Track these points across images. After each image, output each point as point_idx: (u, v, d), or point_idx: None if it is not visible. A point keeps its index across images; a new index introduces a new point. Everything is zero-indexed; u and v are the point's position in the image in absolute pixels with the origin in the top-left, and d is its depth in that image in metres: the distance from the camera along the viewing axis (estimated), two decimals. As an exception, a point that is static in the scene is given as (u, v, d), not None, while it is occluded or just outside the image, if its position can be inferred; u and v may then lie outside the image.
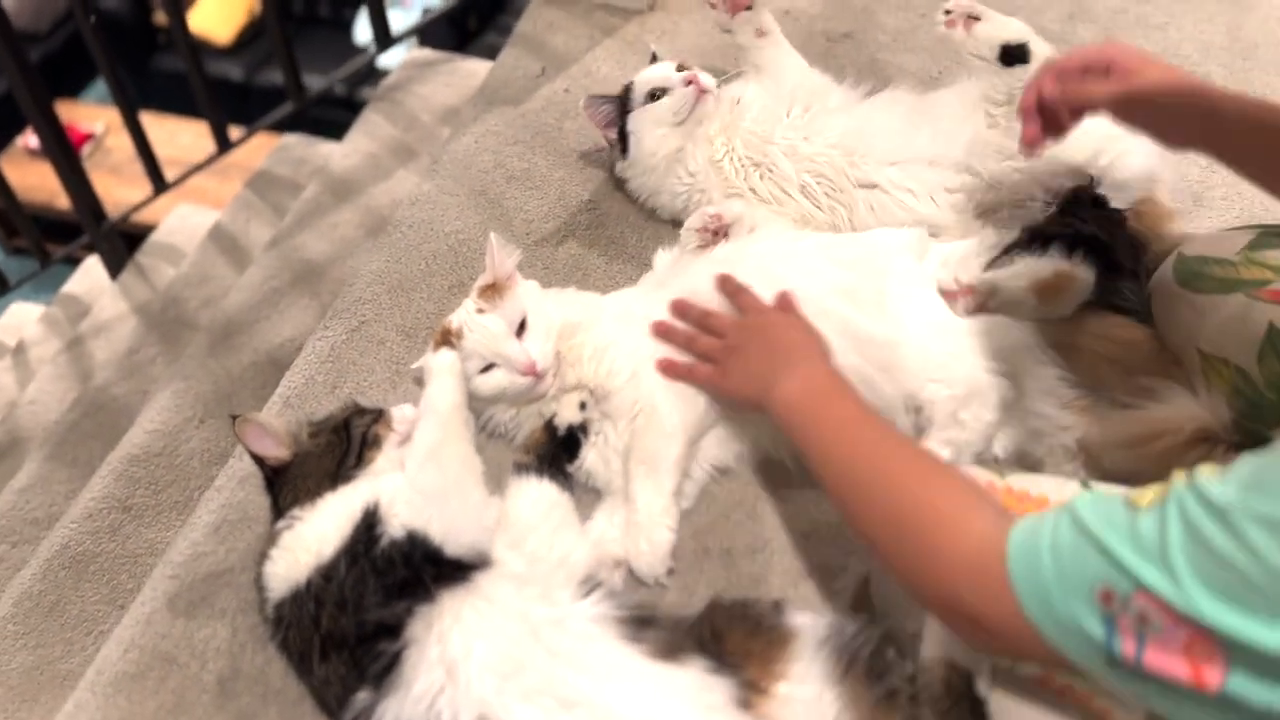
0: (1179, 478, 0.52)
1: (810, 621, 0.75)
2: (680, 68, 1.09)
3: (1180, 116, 0.79)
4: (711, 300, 0.95)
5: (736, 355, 0.87)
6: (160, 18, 3.77)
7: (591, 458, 0.92)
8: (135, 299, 1.78)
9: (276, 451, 0.83)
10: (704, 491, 0.92)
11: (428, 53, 1.77)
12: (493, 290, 0.92)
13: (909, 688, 0.70)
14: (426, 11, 3.69)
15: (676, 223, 1.11)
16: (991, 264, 0.92)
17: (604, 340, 0.92)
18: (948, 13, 1.01)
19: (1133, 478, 0.78)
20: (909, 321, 0.92)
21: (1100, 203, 0.97)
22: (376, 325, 1.07)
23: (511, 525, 0.82)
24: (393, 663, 0.71)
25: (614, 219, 1.17)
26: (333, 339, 1.06)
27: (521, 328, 0.90)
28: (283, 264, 1.43)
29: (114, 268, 1.88)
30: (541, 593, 0.75)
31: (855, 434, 0.73)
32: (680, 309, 0.93)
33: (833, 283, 0.94)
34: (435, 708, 0.69)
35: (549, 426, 0.92)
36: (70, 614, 1.09)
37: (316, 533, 0.77)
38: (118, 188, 3.17)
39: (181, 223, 1.97)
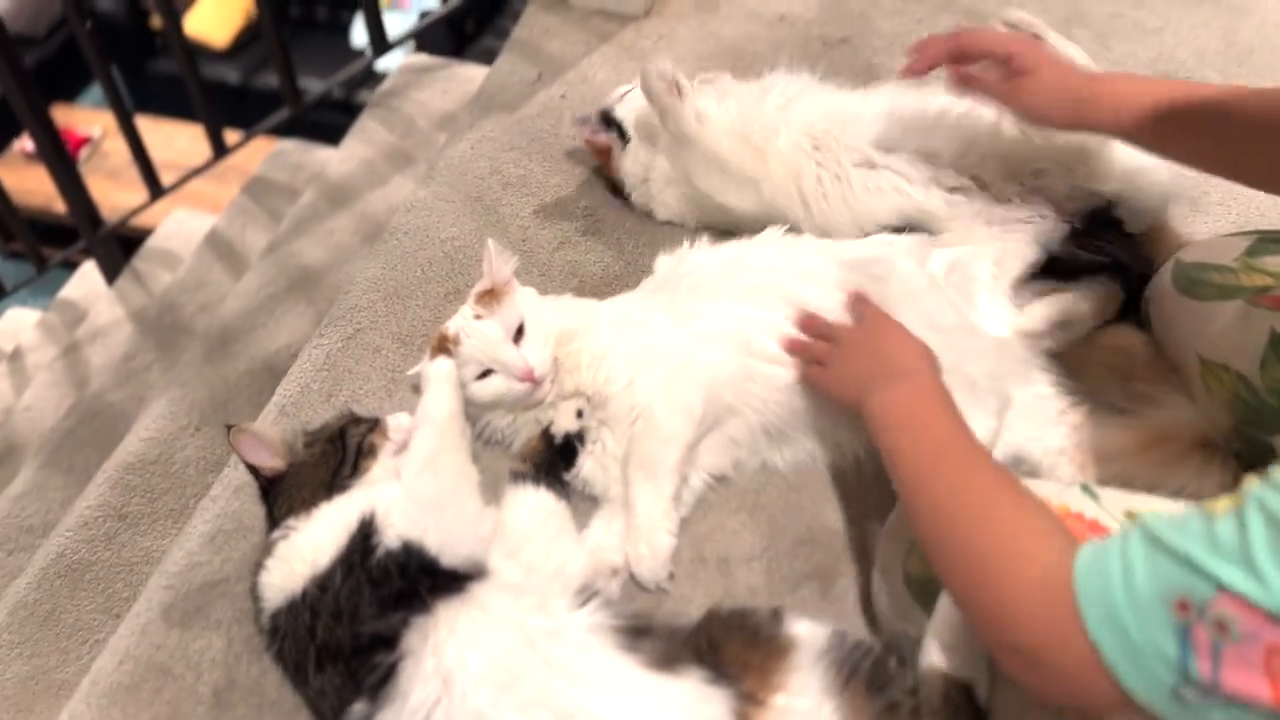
0: (1252, 480, 0.50)
1: (809, 631, 0.74)
2: None
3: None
4: (716, 290, 0.95)
5: (843, 357, 0.86)
6: (157, 21, 3.76)
7: (589, 465, 0.91)
8: (131, 304, 1.77)
9: (271, 461, 0.83)
10: (700, 500, 0.92)
11: (424, 58, 1.77)
12: (490, 296, 0.92)
13: (910, 700, 0.70)
14: (424, 15, 3.69)
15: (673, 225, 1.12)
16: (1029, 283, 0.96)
17: (601, 346, 0.92)
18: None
19: (1131, 484, 0.78)
20: (909, 327, 0.92)
21: (1119, 225, 0.97)
22: (372, 333, 1.07)
23: (508, 535, 0.82)
24: (388, 674, 0.70)
25: (610, 224, 1.16)
26: (328, 347, 1.06)
27: (519, 334, 0.89)
28: (279, 271, 1.42)
29: (110, 273, 1.88)
30: (538, 603, 0.75)
31: (942, 456, 0.70)
32: (804, 323, 0.92)
33: (834, 286, 0.94)
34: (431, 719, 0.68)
35: (545, 435, 0.91)
36: (66, 623, 1.09)
37: (312, 543, 0.76)
38: (115, 192, 3.16)
39: (178, 228, 1.97)
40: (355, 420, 0.88)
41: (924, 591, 0.74)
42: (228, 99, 3.75)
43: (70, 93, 3.85)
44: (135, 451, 1.21)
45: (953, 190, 1.02)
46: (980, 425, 0.87)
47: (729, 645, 0.74)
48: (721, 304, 0.94)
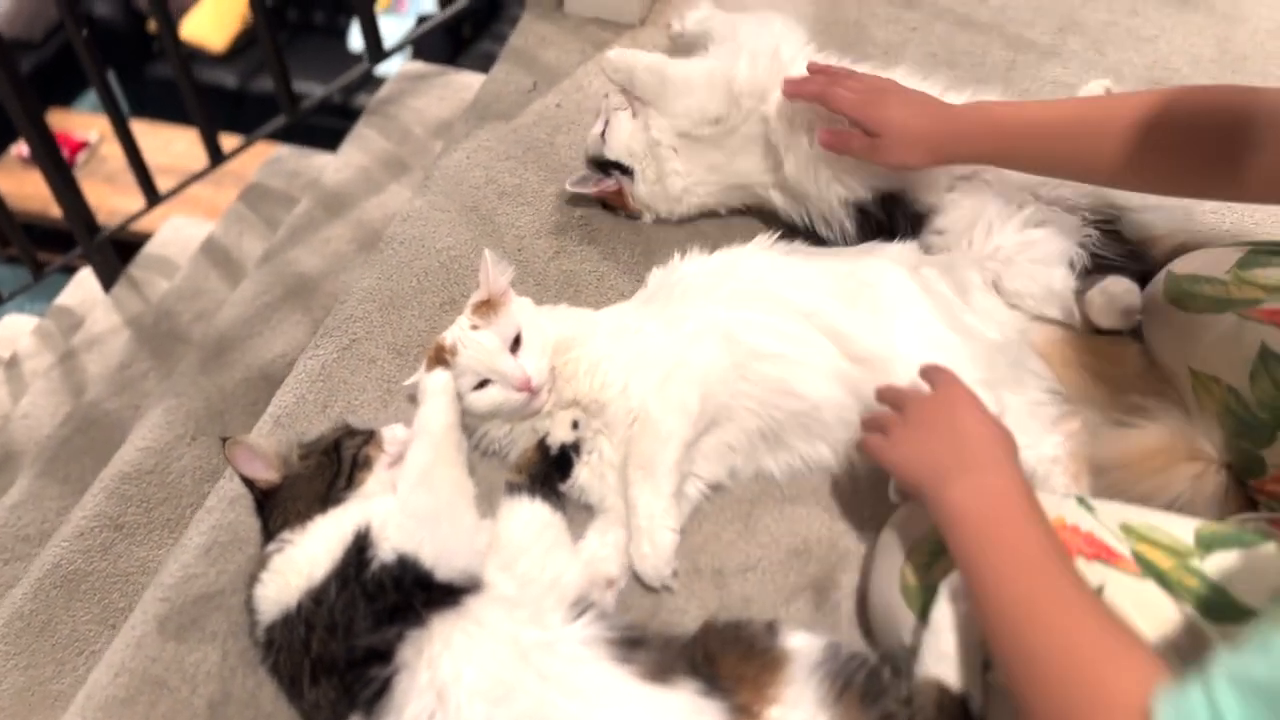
0: None
1: (804, 643, 0.75)
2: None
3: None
4: (705, 295, 0.95)
5: (912, 434, 0.77)
6: (155, 25, 3.77)
7: (585, 474, 0.91)
8: (128, 312, 1.77)
9: (266, 474, 0.83)
10: (696, 510, 0.92)
11: (420, 66, 1.77)
12: (487, 306, 0.92)
13: (904, 711, 0.70)
14: (421, 18, 3.69)
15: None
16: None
17: (598, 355, 0.92)
18: None
19: (1125, 495, 0.78)
20: (901, 336, 0.92)
21: (1117, 234, 0.98)
22: (368, 343, 1.07)
23: (503, 547, 0.82)
24: (383, 688, 0.70)
25: (606, 234, 1.17)
26: (324, 357, 1.06)
27: (516, 344, 0.89)
28: (275, 279, 1.42)
29: (107, 280, 1.88)
30: (532, 615, 0.75)
31: (1024, 570, 0.65)
32: (878, 393, 0.85)
33: (825, 294, 0.94)
34: (426, 733, 0.68)
35: (541, 446, 0.92)
36: (61, 634, 1.09)
37: (307, 556, 0.76)
38: (113, 196, 3.17)
39: (175, 234, 1.97)
40: (350, 432, 0.88)
41: (920, 601, 0.75)
42: (225, 103, 3.76)
43: (67, 97, 3.86)
44: (131, 461, 1.21)
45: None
46: None
47: (725, 658, 0.74)
48: (710, 307, 0.94)
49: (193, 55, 3.79)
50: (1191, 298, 0.85)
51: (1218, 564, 0.69)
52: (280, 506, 0.82)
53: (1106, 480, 0.84)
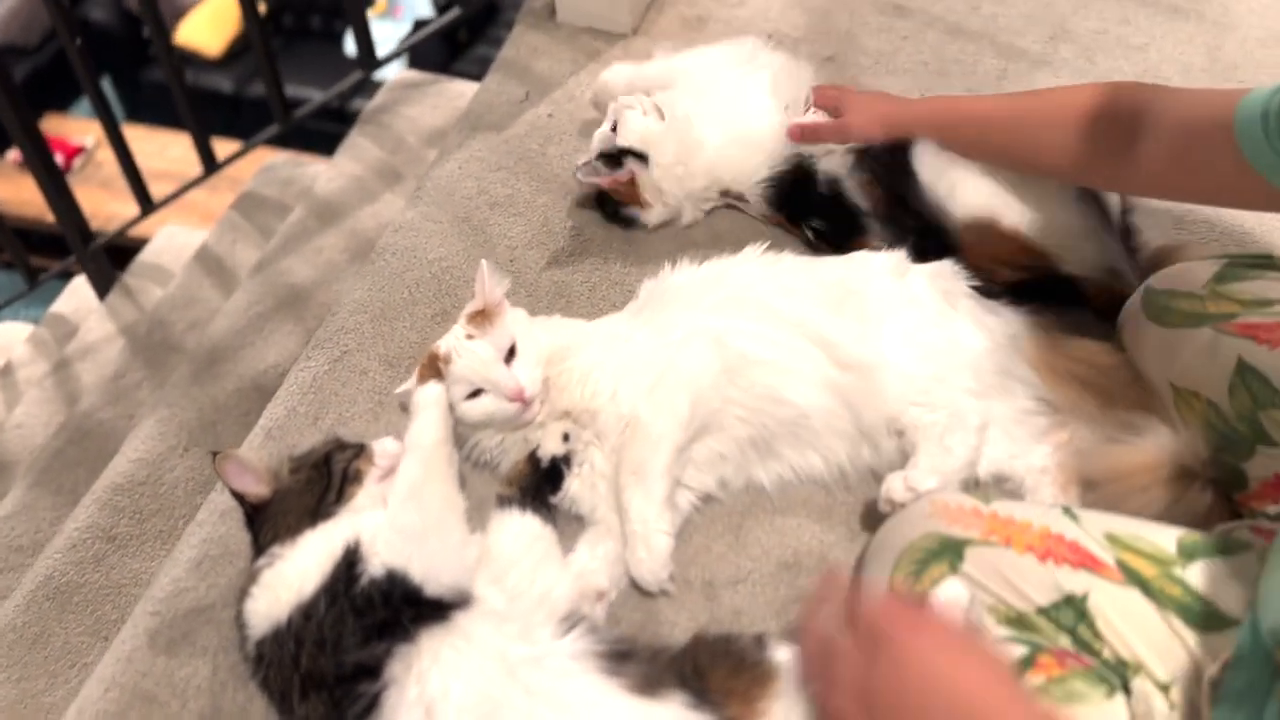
0: None
1: (793, 657, 0.75)
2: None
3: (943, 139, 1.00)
4: (694, 303, 0.95)
5: (855, 683, 0.62)
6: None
7: (576, 485, 0.92)
8: (122, 320, 1.78)
9: (257, 488, 0.83)
10: (686, 522, 0.92)
11: (414, 74, 1.77)
12: (482, 316, 0.92)
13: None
14: (417, 23, 3.70)
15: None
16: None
17: (589, 364, 0.92)
18: None
19: (1112, 511, 0.79)
20: (890, 344, 0.92)
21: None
22: (359, 355, 1.07)
23: (493, 560, 0.82)
24: (372, 703, 0.70)
25: (598, 245, 1.17)
26: (315, 369, 1.06)
27: (510, 355, 0.90)
28: (267, 289, 1.43)
29: (101, 288, 1.88)
30: (521, 630, 0.75)
31: None
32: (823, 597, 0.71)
33: (813, 303, 0.95)
34: (414, 749, 0.69)
35: (532, 458, 0.92)
36: (54, 646, 1.09)
37: (297, 570, 0.76)
38: (109, 201, 3.17)
39: (169, 242, 1.97)
40: (341, 446, 0.88)
41: None
42: (222, 107, 3.76)
43: (64, 102, 3.85)
44: (124, 472, 1.21)
45: None
46: (961, 444, 0.88)
47: (714, 671, 0.75)
48: (699, 315, 0.94)
49: (189, 60, 3.79)
50: (1169, 313, 0.86)
51: (1200, 572, 0.70)
52: (270, 521, 0.82)
53: (1094, 497, 0.84)
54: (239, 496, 0.83)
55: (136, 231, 1.86)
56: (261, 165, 1.92)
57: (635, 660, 0.75)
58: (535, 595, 0.81)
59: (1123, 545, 0.72)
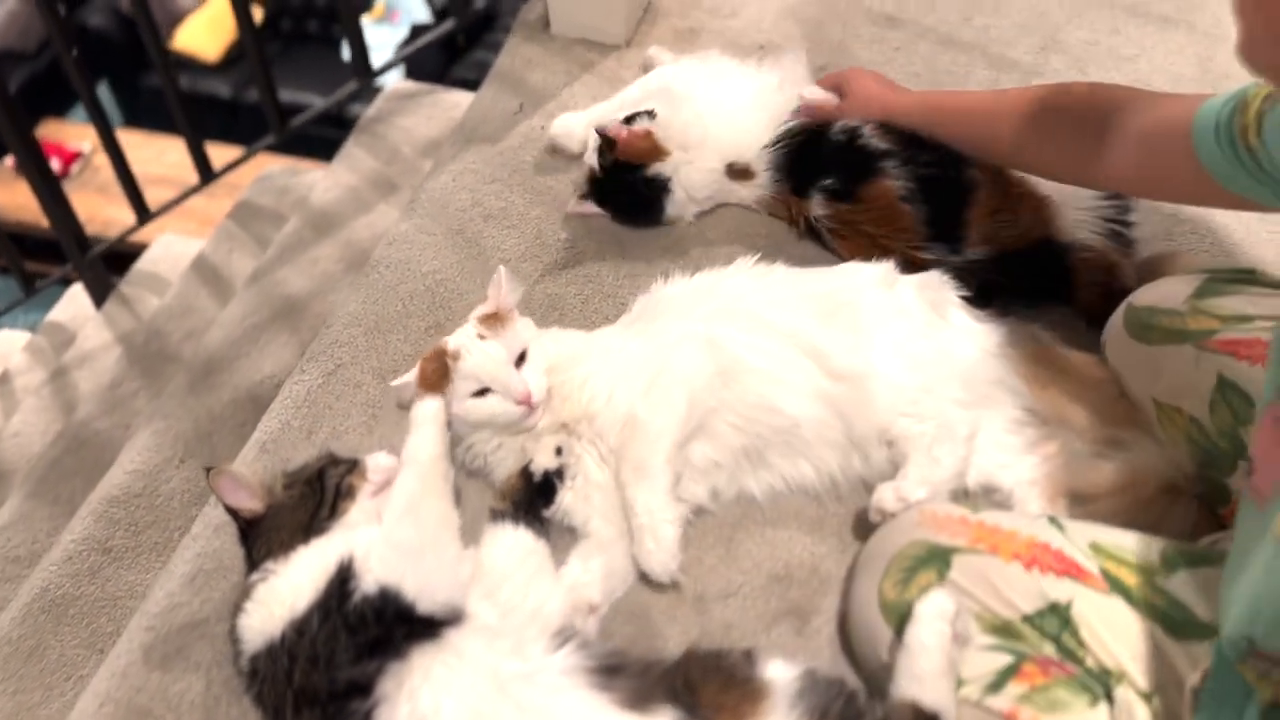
0: None
1: (783, 673, 0.75)
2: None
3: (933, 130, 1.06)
4: (686, 313, 0.96)
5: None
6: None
7: (569, 497, 0.92)
8: (119, 329, 1.78)
9: (250, 504, 0.83)
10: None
11: (409, 84, 1.78)
12: (494, 319, 0.93)
13: (880, 735, 0.71)
14: (415, 28, 3.70)
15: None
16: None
17: (587, 374, 0.93)
18: None
19: (1100, 523, 0.79)
20: (880, 354, 0.93)
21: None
22: (353, 368, 1.08)
23: (486, 574, 0.83)
24: (365, 720, 0.71)
25: (591, 257, 1.17)
26: (309, 383, 1.06)
27: (520, 360, 0.91)
28: (263, 300, 1.43)
29: (99, 296, 1.88)
30: (513, 646, 0.76)
31: None
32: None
33: (804, 313, 0.95)
34: (406, 766, 0.69)
35: (525, 473, 0.92)
36: (50, 659, 1.09)
37: (291, 586, 0.77)
38: (107, 207, 3.17)
39: (166, 251, 1.98)
40: (334, 461, 0.88)
41: (898, 617, 0.76)
42: (219, 112, 3.77)
43: (61, 108, 3.86)
44: (120, 484, 1.22)
45: None
46: (950, 455, 0.88)
47: (705, 686, 0.75)
48: (690, 323, 0.95)
49: (187, 65, 3.80)
50: (1150, 330, 0.86)
51: (1182, 582, 0.71)
52: (264, 536, 0.83)
53: (1081, 511, 0.85)
54: (233, 512, 0.84)
55: (134, 237, 1.87)
56: (258, 175, 1.93)
57: (626, 675, 0.75)
58: (528, 610, 0.81)
59: (1107, 554, 0.73)
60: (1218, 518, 0.82)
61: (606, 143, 1.11)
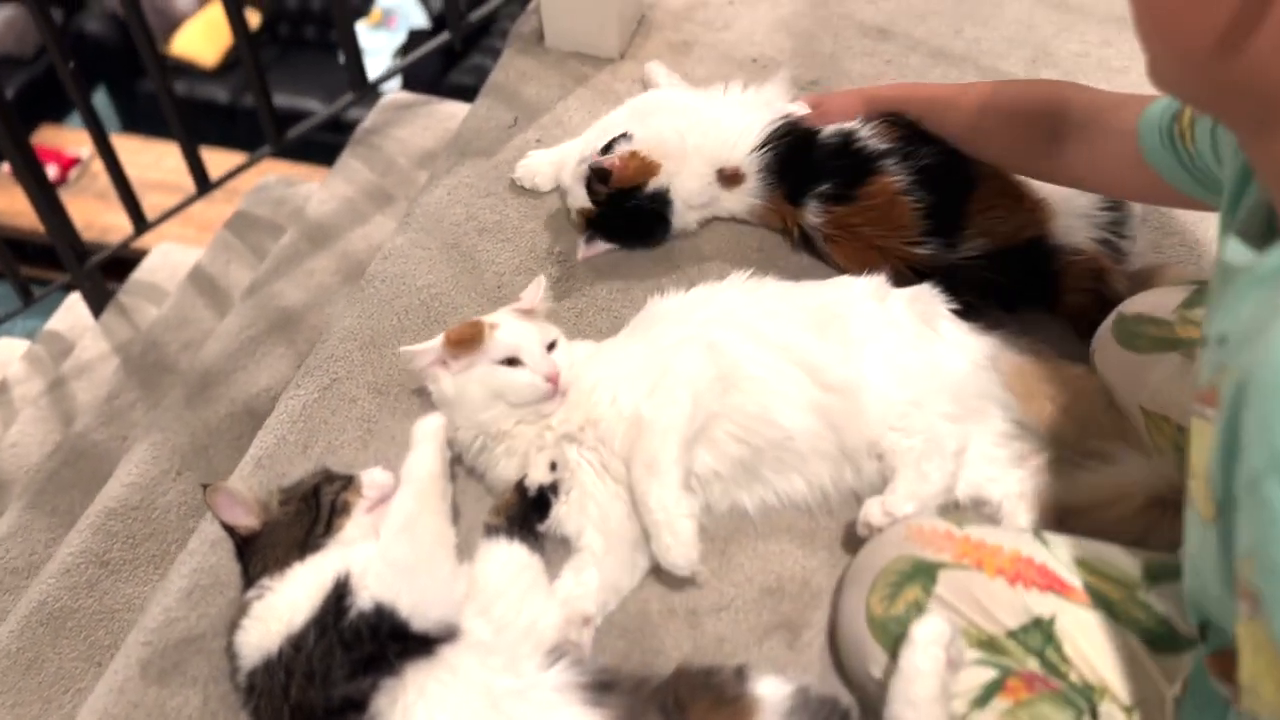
0: None
1: (773, 690, 0.76)
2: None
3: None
4: (682, 323, 0.97)
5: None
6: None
7: (564, 508, 0.93)
8: (117, 339, 1.79)
9: (247, 520, 0.84)
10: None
11: (405, 95, 1.79)
12: (528, 314, 0.99)
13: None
14: (412, 33, 3.71)
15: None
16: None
17: (593, 379, 0.94)
18: None
19: (1088, 536, 0.80)
20: (871, 367, 0.94)
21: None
22: (348, 383, 1.08)
23: (480, 590, 0.84)
24: (359, 737, 0.72)
25: (584, 270, 1.18)
26: (304, 398, 1.07)
27: (550, 349, 0.95)
28: (259, 312, 1.44)
29: (97, 306, 1.89)
30: (506, 662, 0.77)
31: None
32: None
33: (797, 327, 0.96)
34: (400, 782, 0.70)
35: (519, 488, 0.93)
36: (48, 671, 1.10)
37: (287, 602, 0.77)
38: (105, 213, 3.17)
39: (164, 260, 1.98)
40: (329, 478, 0.89)
41: (885, 632, 0.77)
42: (217, 118, 3.77)
43: (59, 114, 3.86)
44: (117, 497, 1.22)
45: None
46: (938, 470, 0.89)
47: (695, 704, 0.76)
48: (689, 328, 0.97)
49: (185, 70, 3.80)
50: (1139, 339, 0.87)
51: (1163, 595, 0.72)
52: (260, 553, 0.84)
53: (1068, 526, 0.85)
54: (229, 528, 0.85)
55: (133, 243, 1.87)
56: (254, 185, 1.94)
57: (618, 692, 0.76)
58: (522, 626, 0.82)
59: (1090, 569, 0.74)
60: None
61: (600, 175, 1.09)
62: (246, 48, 1.53)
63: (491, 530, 0.90)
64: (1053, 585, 0.73)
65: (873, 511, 0.87)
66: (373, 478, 0.89)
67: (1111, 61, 1.40)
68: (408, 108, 1.75)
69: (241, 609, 0.80)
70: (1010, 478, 0.92)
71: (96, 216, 3.14)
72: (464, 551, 0.83)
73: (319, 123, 1.72)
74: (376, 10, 3.86)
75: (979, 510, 0.92)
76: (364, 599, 0.75)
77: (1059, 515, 0.88)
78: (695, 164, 1.14)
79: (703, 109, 1.17)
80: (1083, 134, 0.91)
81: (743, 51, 1.42)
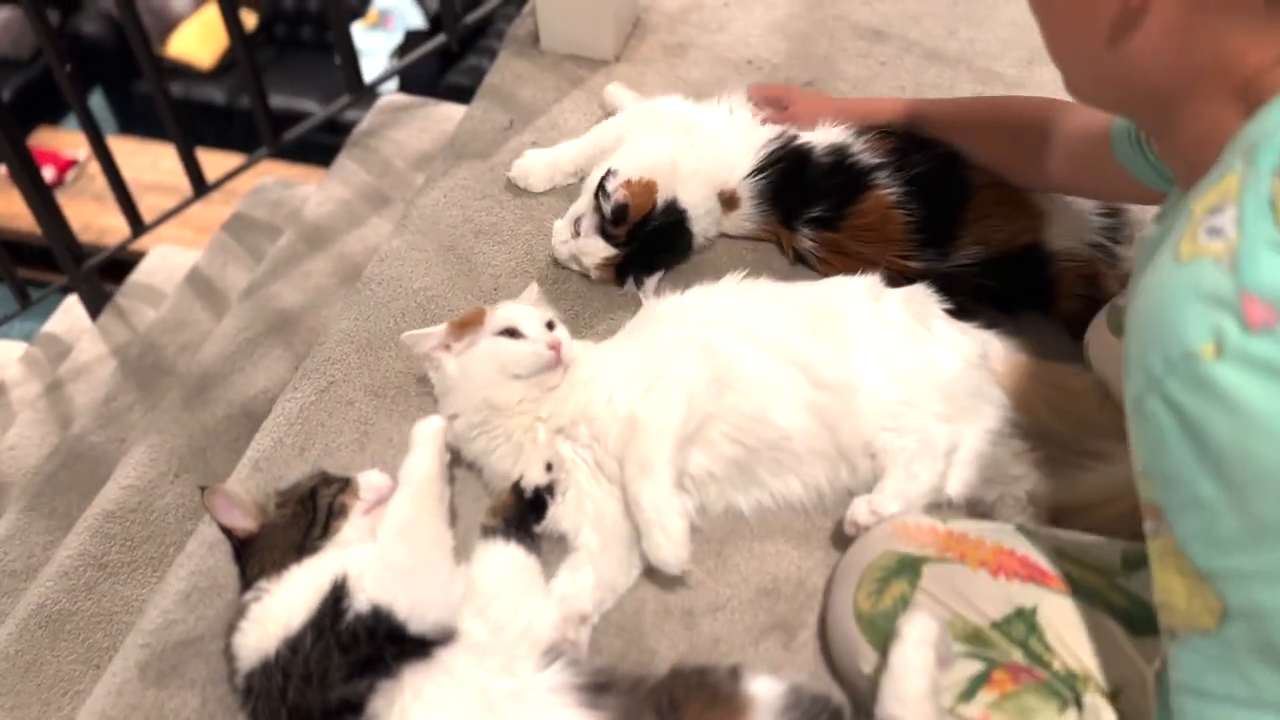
0: None
1: (767, 689, 0.76)
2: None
3: None
4: (677, 324, 0.98)
5: None
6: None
7: (561, 507, 0.93)
8: (114, 341, 1.79)
9: (244, 523, 0.85)
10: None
11: (402, 97, 1.79)
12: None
13: (862, 753, 0.73)
14: (409, 34, 3.71)
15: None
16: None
17: (588, 377, 0.95)
18: None
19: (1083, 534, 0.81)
20: (865, 367, 0.94)
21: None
22: (345, 386, 1.09)
23: (477, 591, 0.84)
24: (356, 739, 0.72)
25: (580, 274, 1.18)
26: (301, 400, 1.07)
27: (550, 328, 0.96)
28: (256, 315, 1.44)
29: (94, 308, 1.89)
30: (503, 664, 0.77)
31: None
32: None
33: (792, 327, 0.97)
34: (397, 784, 0.70)
35: (515, 489, 0.93)
36: (47, 674, 1.10)
37: (285, 604, 0.78)
38: (102, 215, 3.17)
39: (161, 262, 1.98)
40: (326, 480, 0.89)
41: (873, 628, 0.77)
42: (214, 119, 3.77)
43: (56, 115, 3.86)
44: (115, 499, 1.23)
45: None
46: (928, 470, 0.90)
47: (689, 704, 0.76)
48: (685, 329, 0.97)
49: (181, 71, 3.80)
50: None
51: (1142, 581, 0.72)
52: (257, 555, 0.84)
53: (1063, 525, 0.86)
54: (227, 531, 0.85)
55: (130, 246, 1.88)
56: (252, 187, 1.94)
57: (614, 693, 0.76)
58: (518, 628, 0.83)
59: (1070, 558, 0.75)
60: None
61: (616, 215, 1.07)
62: (243, 49, 1.53)
63: (488, 532, 0.90)
64: (1034, 575, 0.74)
65: (859, 510, 0.87)
66: (370, 480, 0.89)
67: (1105, 62, 1.40)
68: (404, 109, 1.75)
69: (239, 611, 0.80)
70: (1004, 477, 0.93)
71: (93, 218, 3.14)
72: (461, 553, 0.84)
73: (316, 124, 1.72)
74: (373, 11, 3.86)
75: (973, 509, 0.93)
76: (361, 601, 0.75)
77: (1054, 514, 0.88)
78: (696, 185, 1.14)
79: (698, 128, 1.16)
80: (1062, 142, 0.97)
81: (738, 53, 1.42)
